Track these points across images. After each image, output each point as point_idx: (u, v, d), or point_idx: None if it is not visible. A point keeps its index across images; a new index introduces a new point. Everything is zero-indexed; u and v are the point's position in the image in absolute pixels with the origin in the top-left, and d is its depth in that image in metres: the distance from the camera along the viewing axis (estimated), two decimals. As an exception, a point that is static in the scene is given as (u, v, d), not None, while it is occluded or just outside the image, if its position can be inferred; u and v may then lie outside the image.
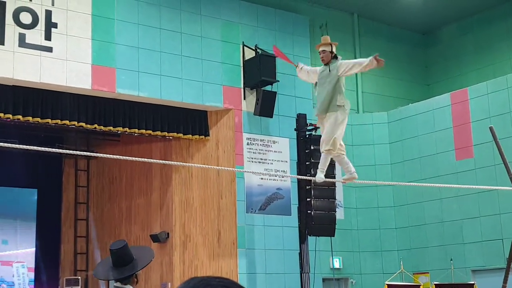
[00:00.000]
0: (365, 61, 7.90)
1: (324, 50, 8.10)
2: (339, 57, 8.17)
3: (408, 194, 13.99)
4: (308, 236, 12.16)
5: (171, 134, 12.16)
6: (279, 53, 9.02)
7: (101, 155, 8.60)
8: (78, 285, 15.20)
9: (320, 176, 8.07)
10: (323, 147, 7.91)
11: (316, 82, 8.18)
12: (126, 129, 11.68)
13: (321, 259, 12.81)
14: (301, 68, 8.30)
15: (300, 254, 12.16)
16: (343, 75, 8.04)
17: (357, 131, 14.44)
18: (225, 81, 12.23)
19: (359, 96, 15.03)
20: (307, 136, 12.25)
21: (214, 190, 12.41)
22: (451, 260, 12.88)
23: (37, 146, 7.51)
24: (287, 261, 12.18)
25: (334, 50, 8.13)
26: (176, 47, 11.77)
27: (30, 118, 10.67)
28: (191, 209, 12.79)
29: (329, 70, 7.99)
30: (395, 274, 13.08)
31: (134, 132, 11.89)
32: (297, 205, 12.41)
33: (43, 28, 10.39)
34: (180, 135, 12.24)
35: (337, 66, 7.96)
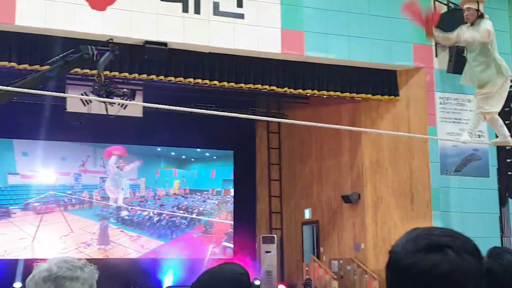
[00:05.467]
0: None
1: (469, 8, 7.57)
2: (485, 16, 7.60)
3: None
4: (509, 199, 11.56)
5: (359, 95, 12.08)
6: (413, 12, 7.79)
7: (289, 121, 8.79)
8: (274, 243, 15.86)
9: (466, 137, 7.78)
10: (481, 109, 7.54)
11: (466, 47, 7.73)
12: (315, 91, 11.81)
13: (523, 223, 12.11)
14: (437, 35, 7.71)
15: (500, 217, 11.61)
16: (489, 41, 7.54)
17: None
18: (416, 38, 11.83)
19: None
20: (508, 93, 11.50)
21: (406, 151, 12.17)
22: None
23: (232, 110, 7.91)
24: (486, 225, 11.66)
25: (481, 8, 7.58)
26: (364, 7, 11.59)
27: (225, 83, 11.17)
28: (382, 170, 12.69)
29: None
30: None
31: (323, 95, 11.99)
32: (496, 167, 11.80)
33: (236, -4, 10.76)
34: (369, 96, 12.12)
35: (481, 29, 7.43)
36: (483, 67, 7.49)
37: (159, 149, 16.35)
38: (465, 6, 7.65)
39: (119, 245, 15.55)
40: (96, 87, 8.92)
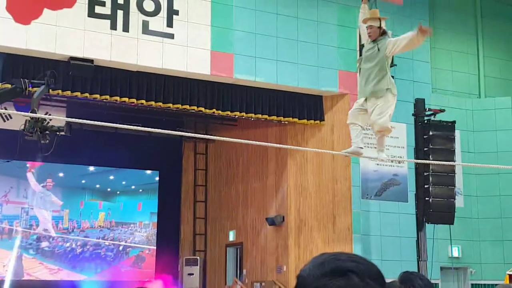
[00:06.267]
0: (410, 34, 7.34)
1: (371, 26, 7.55)
2: (388, 32, 7.63)
3: (533, 182, 13.34)
4: (426, 224, 11.91)
5: (286, 119, 12.25)
6: None
7: (220, 138, 8.81)
8: (197, 265, 15.73)
9: (383, 155, 7.95)
10: (376, 129, 7.70)
11: (361, 58, 7.80)
12: (243, 113, 11.89)
13: (439, 248, 12.50)
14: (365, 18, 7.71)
15: (417, 241, 11.94)
16: (391, 55, 7.61)
17: (478, 116, 13.92)
18: (341, 65, 12.14)
19: (481, 80, 14.45)
20: (426, 121, 11.96)
21: (329, 175, 12.39)
22: None
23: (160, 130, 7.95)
24: (403, 249, 11.99)
25: (383, 25, 7.59)
26: (293, 32, 11.81)
27: (153, 103, 11.10)
28: (306, 194, 12.86)
29: (378, 49, 7.48)
30: (518, 265, 12.54)
31: (251, 117, 12.08)
32: (415, 192, 12.17)
33: (165, 16, 10.75)
34: (295, 119, 12.30)
35: (385, 45, 7.45)
36: (377, 80, 7.53)
37: (83, 181, 15.96)
38: (367, 24, 7.62)
39: (36, 279, 15.01)
40: (29, 123, 8.69)
